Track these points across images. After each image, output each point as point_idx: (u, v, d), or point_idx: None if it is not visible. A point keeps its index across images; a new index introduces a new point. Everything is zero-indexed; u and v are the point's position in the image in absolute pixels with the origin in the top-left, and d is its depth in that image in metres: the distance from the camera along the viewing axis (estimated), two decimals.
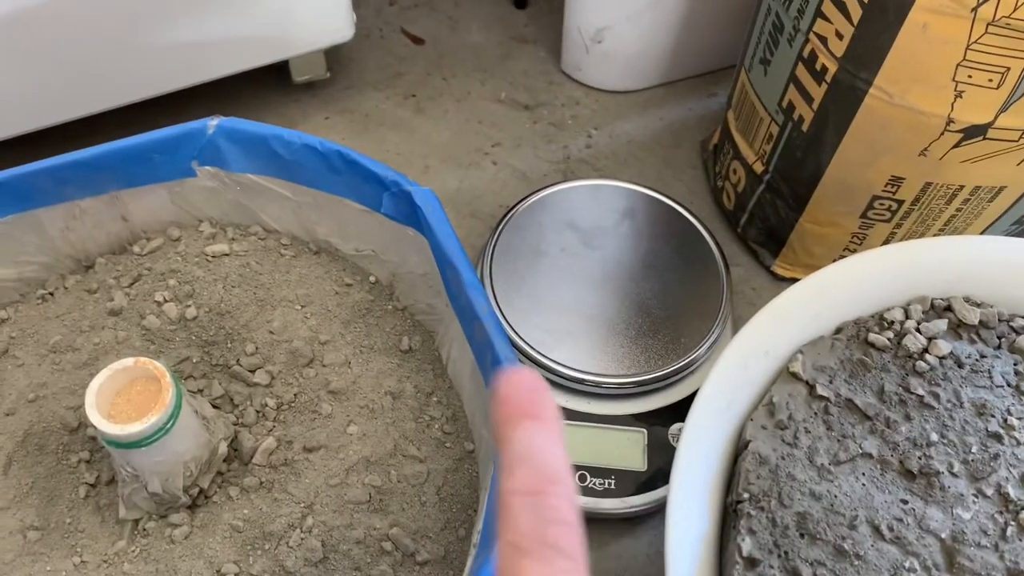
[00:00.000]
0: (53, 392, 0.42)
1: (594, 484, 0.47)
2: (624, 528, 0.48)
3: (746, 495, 0.34)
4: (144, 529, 0.39)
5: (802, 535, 0.33)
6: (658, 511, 0.48)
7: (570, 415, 0.49)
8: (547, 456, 0.21)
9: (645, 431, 0.49)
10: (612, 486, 0.47)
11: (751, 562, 0.33)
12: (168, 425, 0.35)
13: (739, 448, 0.37)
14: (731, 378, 0.37)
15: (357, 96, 0.70)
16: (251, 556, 0.37)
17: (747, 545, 0.33)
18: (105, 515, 0.39)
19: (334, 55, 0.70)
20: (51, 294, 0.47)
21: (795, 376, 0.38)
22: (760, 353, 0.38)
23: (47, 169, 0.43)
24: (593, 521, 0.48)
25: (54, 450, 0.41)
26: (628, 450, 0.48)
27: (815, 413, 0.37)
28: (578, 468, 0.47)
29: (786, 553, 0.33)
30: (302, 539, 0.37)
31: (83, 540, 0.38)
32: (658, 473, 0.48)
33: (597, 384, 0.48)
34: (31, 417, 0.41)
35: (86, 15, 0.52)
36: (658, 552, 0.48)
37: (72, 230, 0.46)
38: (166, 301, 0.44)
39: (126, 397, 0.36)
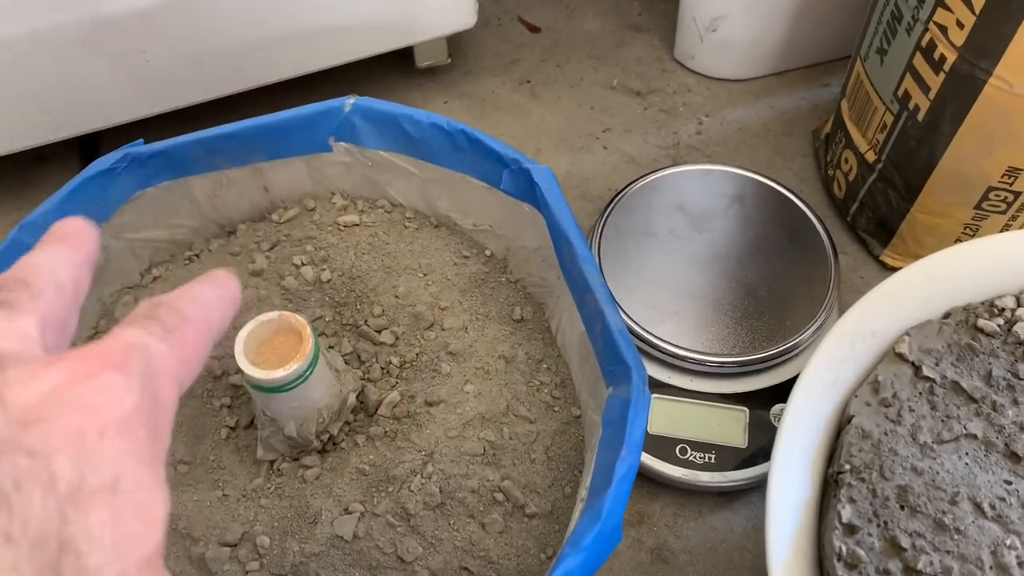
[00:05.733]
0: None
1: (694, 457, 0.49)
2: (723, 501, 0.50)
3: (847, 466, 0.36)
4: (279, 469, 0.42)
5: (902, 507, 0.34)
6: (756, 487, 0.49)
7: (673, 391, 0.50)
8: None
9: (747, 410, 0.50)
10: (712, 460, 0.49)
11: (850, 528, 0.34)
12: (307, 373, 0.39)
13: (842, 423, 0.38)
14: (837, 355, 0.39)
15: (475, 81, 0.73)
16: (375, 497, 0.40)
17: (847, 512, 0.34)
18: (243, 455, 0.43)
19: (454, 42, 0.73)
20: (197, 255, 0.51)
21: (901, 357, 0.39)
22: (867, 333, 0.39)
23: (201, 140, 0.47)
24: (693, 493, 0.50)
25: (200, 394, 0.45)
26: (729, 427, 0.50)
27: (920, 393, 0.38)
28: (679, 441, 0.49)
29: (885, 523, 0.34)
30: (422, 484, 0.40)
31: (224, 476, 0.42)
32: (758, 451, 0.49)
33: (701, 362, 0.50)
34: None
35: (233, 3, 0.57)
36: (755, 526, 0.49)
37: (218, 197, 0.50)
38: (303, 264, 0.48)
39: (270, 346, 0.40)
